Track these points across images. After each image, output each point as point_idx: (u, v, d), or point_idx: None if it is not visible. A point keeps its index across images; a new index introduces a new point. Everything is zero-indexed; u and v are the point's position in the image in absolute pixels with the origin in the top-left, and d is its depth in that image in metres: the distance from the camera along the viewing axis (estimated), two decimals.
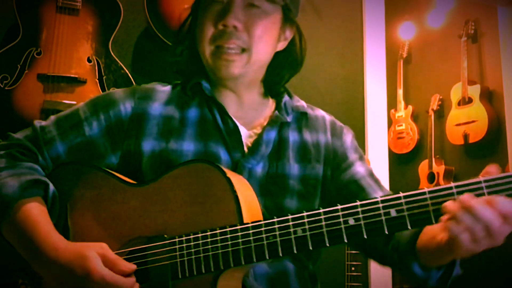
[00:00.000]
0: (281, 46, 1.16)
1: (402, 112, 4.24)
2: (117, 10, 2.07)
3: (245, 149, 1.11)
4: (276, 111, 1.16)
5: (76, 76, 1.95)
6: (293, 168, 1.13)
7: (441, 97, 3.96)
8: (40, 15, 1.95)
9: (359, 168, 1.18)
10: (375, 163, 2.61)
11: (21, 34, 1.93)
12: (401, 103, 4.26)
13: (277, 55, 1.16)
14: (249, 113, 1.16)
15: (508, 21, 3.42)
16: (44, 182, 1.01)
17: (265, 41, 1.10)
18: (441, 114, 3.97)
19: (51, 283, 0.95)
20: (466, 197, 0.84)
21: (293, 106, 1.19)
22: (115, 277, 0.90)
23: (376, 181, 1.18)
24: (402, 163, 4.24)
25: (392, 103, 4.20)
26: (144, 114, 1.11)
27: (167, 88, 1.18)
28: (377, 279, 2.62)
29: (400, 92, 4.28)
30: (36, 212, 0.97)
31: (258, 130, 1.14)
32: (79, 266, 0.90)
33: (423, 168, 3.97)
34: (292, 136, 1.16)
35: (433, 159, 3.88)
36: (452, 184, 0.86)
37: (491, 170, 0.86)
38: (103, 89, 1.98)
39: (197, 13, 1.14)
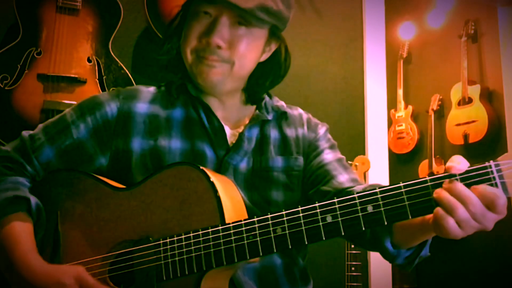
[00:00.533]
0: (264, 57, 1.19)
1: (402, 112, 4.24)
2: (117, 10, 2.07)
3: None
4: (257, 111, 1.20)
5: (76, 76, 1.95)
6: (276, 160, 1.16)
7: (441, 97, 3.96)
8: (40, 15, 1.95)
9: (326, 155, 1.20)
10: (375, 163, 2.61)
11: (21, 34, 1.93)
12: (401, 103, 4.26)
13: (259, 65, 1.18)
14: (233, 114, 1.20)
15: (508, 21, 3.42)
16: (24, 198, 1.02)
17: (248, 58, 1.13)
18: (441, 114, 3.97)
19: None
20: (447, 181, 0.84)
21: (273, 105, 1.23)
22: None
23: (344, 166, 1.19)
24: (402, 163, 4.24)
25: (392, 103, 4.20)
26: (130, 113, 1.13)
27: (151, 89, 1.21)
28: (377, 279, 2.62)
29: (400, 92, 4.28)
30: (18, 229, 0.99)
31: (240, 129, 1.18)
32: None
33: (423, 168, 3.96)
34: (273, 133, 1.19)
35: (433, 159, 3.88)
36: (427, 178, 0.86)
37: (454, 164, 0.84)
38: (103, 89, 1.98)
39: (187, 13, 1.15)
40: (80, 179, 1.08)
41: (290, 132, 1.21)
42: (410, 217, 0.86)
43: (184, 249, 0.94)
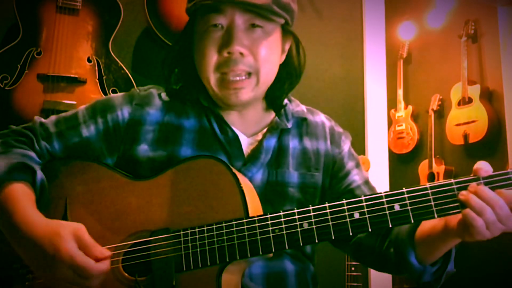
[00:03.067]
0: (283, 58, 1.15)
1: (402, 112, 4.24)
2: (117, 10, 2.07)
3: (246, 157, 1.11)
4: (276, 117, 1.16)
5: (76, 76, 1.95)
6: (293, 176, 1.13)
7: (441, 97, 3.96)
8: (40, 15, 1.95)
9: (355, 177, 1.19)
10: (375, 163, 2.61)
11: (21, 34, 1.93)
12: (401, 103, 4.26)
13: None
14: (251, 123, 1.16)
15: (508, 21, 3.42)
16: (31, 168, 1.00)
17: (271, 61, 1.09)
18: (441, 114, 3.97)
19: (25, 257, 0.94)
20: (474, 184, 0.90)
21: (293, 111, 1.19)
22: (84, 259, 0.88)
23: (371, 189, 1.19)
24: (402, 163, 4.24)
25: (392, 103, 4.20)
26: (140, 120, 1.11)
27: (164, 94, 1.16)
28: (377, 279, 2.62)
29: (400, 92, 4.28)
30: (18, 191, 0.96)
31: (258, 137, 1.14)
32: (50, 242, 0.88)
33: (423, 168, 3.96)
34: (292, 143, 1.16)
35: (433, 159, 3.88)
36: (453, 180, 0.92)
37: (482, 167, 0.91)
38: (103, 89, 1.98)
39: (192, 36, 1.12)
40: (93, 166, 1.06)
41: (310, 144, 1.17)
42: (436, 216, 0.91)
43: (206, 240, 0.94)
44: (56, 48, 1.95)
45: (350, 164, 1.20)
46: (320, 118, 1.23)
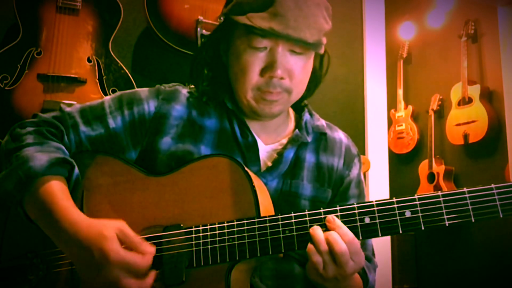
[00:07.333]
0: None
1: (402, 112, 4.25)
2: (117, 10, 2.07)
3: (261, 163, 1.13)
4: (297, 130, 1.18)
5: (76, 76, 1.95)
6: (306, 188, 1.15)
7: (441, 97, 3.97)
8: (40, 15, 1.95)
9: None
10: (375, 163, 2.61)
11: (21, 34, 1.93)
12: (401, 103, 4.26)
13: None
14: (271, 129, 1.18)
15: (508, 21, 3.42)
16: (70, 163, 1.01)
17: (303, 82, 1.12)
18: (441, 114, 3.98)
19: (72, 259, 0.94)
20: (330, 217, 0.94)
21: (313, 125, 1.21)
22: (133, 255, 0.88)
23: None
24: (402, 163, 4.24)
25: (392, 103, 4.20)
26: (166, 114, 1.13)
27: (188, 91, 1.19)
28: (377, 279, 2.62)
29: (400, 92, 4.28)
30: (57, 188, 0.97)
31: (275, 147, 1.16)
32: (96, 245, 0.88)
33: (423, 168, 3.97)
34: (309, 156, 1.18)
35: (433, 159, 3.88)
36: (465, 189, 0.92)
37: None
38: (103, 89, 1.98)
39: (228, 41, 1.13)
40: (111, 160, 1.08)
41: (325, 159, 1.19)
42: (446, 224, 0.91)
43: (218, 238, 0.96)
44: (56, 48, 1.95)
45: (354, 191, 1.22)
46: (339, 135, 1.25)
